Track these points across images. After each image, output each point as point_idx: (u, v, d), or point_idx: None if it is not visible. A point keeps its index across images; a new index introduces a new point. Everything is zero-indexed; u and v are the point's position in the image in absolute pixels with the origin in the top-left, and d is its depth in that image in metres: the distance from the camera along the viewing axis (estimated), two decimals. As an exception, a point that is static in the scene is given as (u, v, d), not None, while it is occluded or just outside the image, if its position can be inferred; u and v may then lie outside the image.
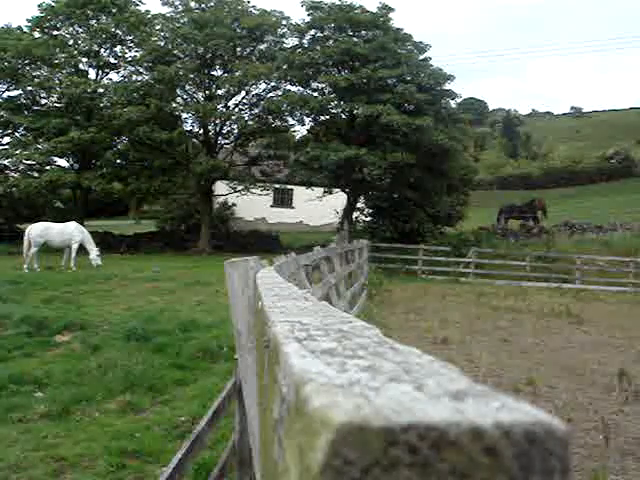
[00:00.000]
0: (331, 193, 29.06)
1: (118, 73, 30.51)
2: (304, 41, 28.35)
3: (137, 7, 30.14)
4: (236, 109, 29.38)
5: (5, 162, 28.81)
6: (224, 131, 29.61)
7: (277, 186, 34.35)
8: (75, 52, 29.46)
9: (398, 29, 27.64)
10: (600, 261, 23.86)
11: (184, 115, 29.39)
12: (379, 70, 25.06)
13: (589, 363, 9.46)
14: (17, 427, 6.29)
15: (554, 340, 11.41)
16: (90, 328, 10.46)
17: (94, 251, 19.20)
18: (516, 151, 70.13)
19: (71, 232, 19.26)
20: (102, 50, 30.03)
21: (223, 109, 28.65)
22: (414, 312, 13.99)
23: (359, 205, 29.03)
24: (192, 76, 28.08)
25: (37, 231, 18.82)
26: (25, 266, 18.10)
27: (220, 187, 30.65)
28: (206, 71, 28.42)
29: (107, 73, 30.69)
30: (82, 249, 19.80)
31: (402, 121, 23.79)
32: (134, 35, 29.10)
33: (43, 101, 29.78)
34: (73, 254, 19.10)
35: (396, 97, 24.78)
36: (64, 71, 28.98)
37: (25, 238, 18.61)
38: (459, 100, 32.45)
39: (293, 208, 38.56)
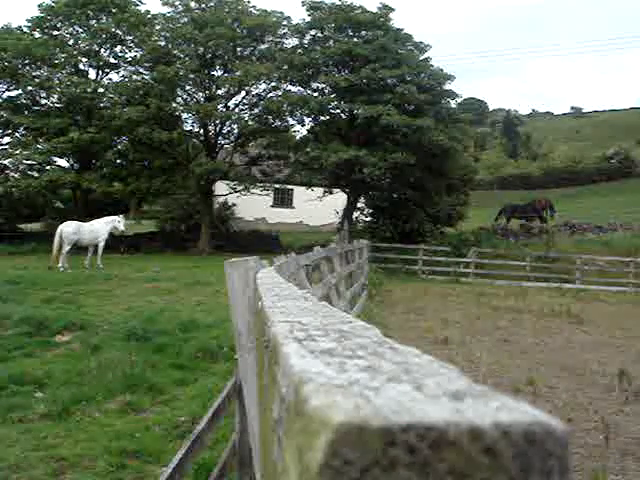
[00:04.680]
0: (331, 193, 29.07)
1: (118, 73, 30.52)
2: (304, 41, 28.35)
3: (137, 7, 30.11)
4: (236, 109, 29.37)
5: (5, 162, 28.79)
6: (224, 131, 29.60)
7: (277, 186, 34.33)
8: (75, 52, 29.42)
9: (398, 29, 27.63)
10: (600, 261, 23.86)
11: (184, 115, 29.39)
12: (379, 70, 25.06)
13: (589, 363, 9.46)
14: (17, 427, 6.29)
15: (554, 340, 11.41)
16: (90, 328, 10.45)
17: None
18: (516, 151, 70.14)
19: (98, 230, 19.60)
20: (102, 50, 30.01)
21: (223, 109, 28.64)
22: (414, 312, 14.00)
23: (359, 205, 29.03)
24: (192, 76, 28.06)
25: (71, 229, 19.08)
26: (60, 264, 18.32)
27: (220, 187, 30.65)
28: (206, 71, 28.40)
29: (107, 73, 30.67)
30: (83, 249, 19.91)
31: (402, 121, 23.78)
32: (134, 35, 29.07)
33: (43, 101, 29.74)
34: (100, 252, 19.51)
35: (396, 97, 24.77)
36: (64, 71, 28.95)
37: (56, 237, 18.76)
38: (459, 100, 32.44)
39: (293, 208, 38.56)
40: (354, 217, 28.56)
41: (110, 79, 30.36)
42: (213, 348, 9.17)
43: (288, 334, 0.60)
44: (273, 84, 28.84)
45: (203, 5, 29.16)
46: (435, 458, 0.33)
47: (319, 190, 29.02)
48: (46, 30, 29.69)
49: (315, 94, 27.95)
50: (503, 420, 0.34)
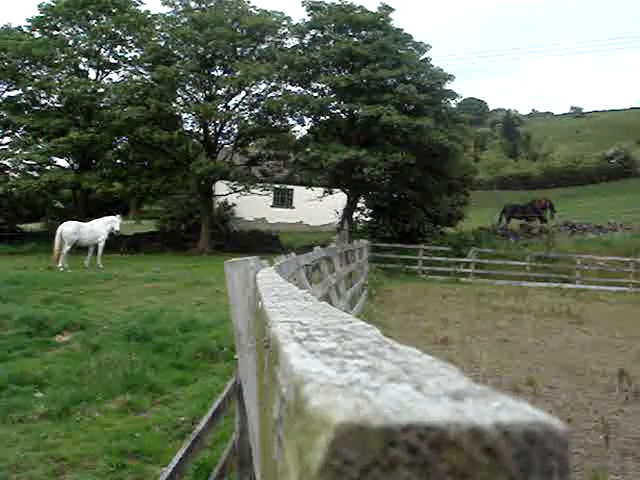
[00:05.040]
0: (331, 193, 29.07)
1: (118, 73, 30.52)
2: (304, 41, 28.36)
3: (137, 7, 30.12)
4: (236, 109, 29.38)
5: (5, 162, 28.80)
6: (224, 131, 29.60)
7: (277, 186, 34.34)
8: (75, 52, 29.43)
9: (398, 29, 27.64)
10: (600, 261, 23.85)
11: (184, 115, 29.39)
12: (379, 70, 25.06)
13: (589, 363, 9.46)
14: (17, 427, 6.29)
15: (554, 340, 11.41)
16: (90, 328, 10.45)
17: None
18: (516, 151, 70.17)
19: (98, 230, 19.60)
20: (102, 50, 30.02)
21: (223, 109, 28.64)
22: (414, 312, 13.99)
23: (359, 205, 29.03)
24: (192, 76, 28.06)
25: (71, 229, 19.08)
26: (59, 265, 18.30)
27: (220, 187, 30.65)
28: (206, 71, 28.41)
29: (107, 73, 30.68)
30: (83, 249, 19.91)
31: (402, 121, 23.78)
32: (134, 35, 29.08)
33: (43, 101, 29.75)
34: (100, 252, 19.47)
35: (396, 97, 24.77)
36: (64, 71, 28.96)
37: (57, 237, 18.74)
38: (459, 100, 32.45)
39: (293, 208, 38.56)
40: (354, 217, 28.56)
41: (110, 79, 30.39)
42: (213, 348, 9.17)
43: (288, 334, 0.60)
44: (273, 84, 28.85)
45: (203, 5, 29.17)
46: (435, 458, 0.33)
47: (319, 190, 29.02)
48: (46, 30, 29.69)
49: (315, 94, 27.95)
50: (503, 420, 0.34)
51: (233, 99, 29.34)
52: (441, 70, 27.39)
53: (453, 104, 29.68)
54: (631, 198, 40.70)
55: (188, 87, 29.20)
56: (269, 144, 29.00)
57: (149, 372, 8.07)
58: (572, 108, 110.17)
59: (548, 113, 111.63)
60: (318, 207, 30.97)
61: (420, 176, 25.72)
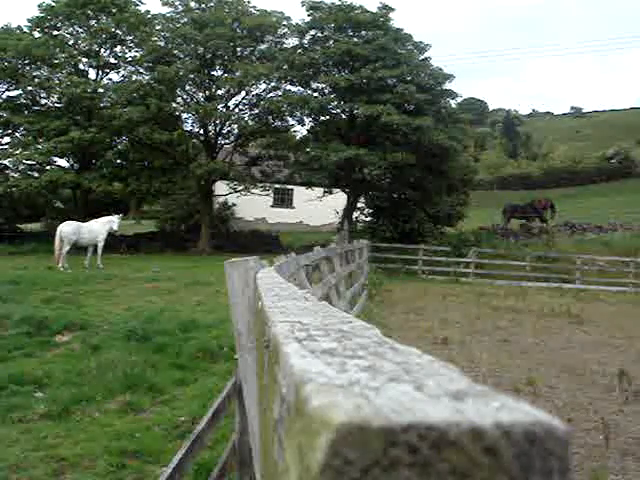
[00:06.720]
0: (331, 193, 29.07)
1: (118, 73, 30.52)
2: (304, 41, 28.35)
3: (137, 7, 30.11)
4: (236, 109, 29.38)
5: (5, 162, 28.79)
6: (224, 131, 29.61)
7: (277, 186, 34.32)
8: (75, 52, 29.43)
9: (398, 29, 27.63)
10: (600, 261, 23.86)
11: (184, 115, 29.40)
12: (379, 70, 25.06)
13: (589, 363, 9.46)
14: (17, 427, 6.29)
15: (554, 340, 11.41)
16: (90, 328, 10.45)
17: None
18: (516, 151, 70.14)
19: (97, 230, 19.62)
20: (102, 50, 30.01)
21: (223, 109, 28.65)
22: (414, 312, 13.99)
23: (359, 205, 29.03)
24: (192, 76, 28.06)
25: (70, 229, 19.07)
26: (60, 265, 18.29)
27: (220, 187, 30.66)
28: (206, 71, 28.41)
29: (107, 73, 30.67)
30: (83, 249, 19.91)
31: (402, 121, 23.78)
32: (134, 35, 29.07)
33: (43, 101, 29.75)
34: (99, 252, 19.48)
35: (396, 97, 24.77)
36: (64, 71, 28.95)
37: (57, 237, 18.73)
38: (459, 100, 32.46)
39: (293, 208, 38.56)
40: (354, 217, 28.56)
41: (110, 79, 30.39)
42: (213, 348, 9.17)
43: (289, 334, 0.60)
44: (273, 84, 28.85)
45: (203, 5, 29.17)
46: (436, 458, 0.33)
47: (319, 190, 29.02)
48: (46, 30, 29.67)
49: (315, 94, 27.95)
50: (504, 420, 0.34)
51: (233, 99, 29.37)
52: (441, 70, 27.39)
53: (453, 104, 29.72)
54: (631, 198, 40.71)
55: (188, 87, 29.20)
56: (269, 144, 29.01)
57: (149, 372, 8.07)
58: (572, 108, 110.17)
59: (548, 113, 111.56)
60: (318, 207, 30.97)
61: (420, 176, 25.72)
